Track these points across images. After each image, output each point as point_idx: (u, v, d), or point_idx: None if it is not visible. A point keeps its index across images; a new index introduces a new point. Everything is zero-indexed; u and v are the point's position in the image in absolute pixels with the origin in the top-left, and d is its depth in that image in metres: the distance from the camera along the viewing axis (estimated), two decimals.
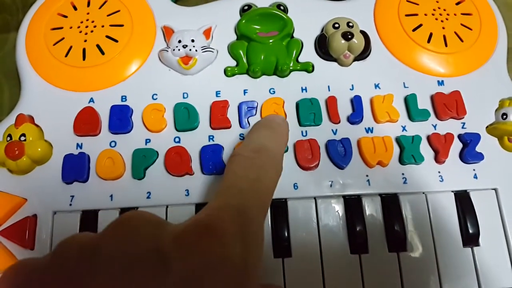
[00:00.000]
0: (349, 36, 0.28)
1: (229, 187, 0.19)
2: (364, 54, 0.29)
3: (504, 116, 0.28)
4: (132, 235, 0.15)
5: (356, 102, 0.28)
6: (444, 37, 0.30)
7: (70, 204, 0.26)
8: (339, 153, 0.27)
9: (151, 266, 0.14)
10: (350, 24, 0.29)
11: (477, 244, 0.26)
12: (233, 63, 0.30)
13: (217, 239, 0.15)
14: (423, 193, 0.27)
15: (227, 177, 0.19)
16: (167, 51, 0.28)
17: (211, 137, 0.27)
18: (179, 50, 0.28)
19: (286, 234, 0.26)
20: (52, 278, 0.15)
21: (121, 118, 0.27)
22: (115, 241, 0.15)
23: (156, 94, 0.28)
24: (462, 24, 0.30)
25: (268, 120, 0.25)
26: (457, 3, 0.31)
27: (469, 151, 0.27)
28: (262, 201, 0.19)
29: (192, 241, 0.15)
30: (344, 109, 0.28)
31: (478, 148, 0.27)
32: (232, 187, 0.19)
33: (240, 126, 0.28)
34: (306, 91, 0.29)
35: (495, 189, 0.27)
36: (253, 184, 0.19)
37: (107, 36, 0.29)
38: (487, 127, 0.28)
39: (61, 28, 0.29)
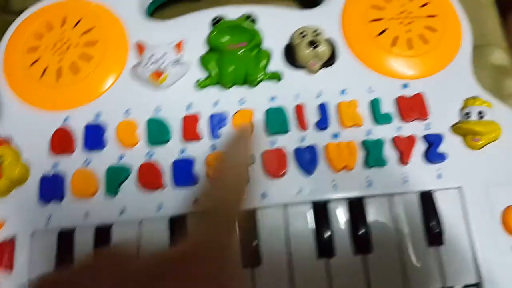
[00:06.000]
0: (315, 45, 0.29)
1: (207, 212, 0.19)
2: (330, 61, 0.30)
3: (468, 115, 0.29)
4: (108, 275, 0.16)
5: (322, 109, 0.29)
6: (409, 40, 0.30)
7: (48, 223, 0.27)
8: (306, 160, 0.28)
9: None
10: (317, 32, 0.30)
11: (442, 243, 0.27)
12: (205, 75, 0.30)
13: (202, 262, 0.16)
14: (389, 194, 0.28)
15: (203, 193, 0.20)
16: (139, 67, 0.29)
17: (183, 150, 0.29)
18: (150, 65, 0.29)
19: (255, 243, 0.27)
20: None
21: (94, 136, 0.28)
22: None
23: (129, 110, 0.29)
24: (426, 26, 0.31)
25: (236, 133, 0.24)
26: (422, 6, 0.32)
27: (432, 151, 0.28)
28: (235, 216, 0.20)
29: (179, 266, 0.16)
30: (312, 115, 0.29)
31: (442, 148, 0.28)
32: (209, 213, 0.19)
33: (212, 138, 0.29)
34: (275, 100, 0.30)
35: (459, 188, 0.28)
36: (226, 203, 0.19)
37: (81, 55, 0.30)
38: (452, 126, 0.29)
39: (37, 48, 0.30)
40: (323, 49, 0.29)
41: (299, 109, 0.29)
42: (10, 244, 0.26)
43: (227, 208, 0.20)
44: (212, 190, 0.20)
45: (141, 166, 0.28)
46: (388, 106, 0.29)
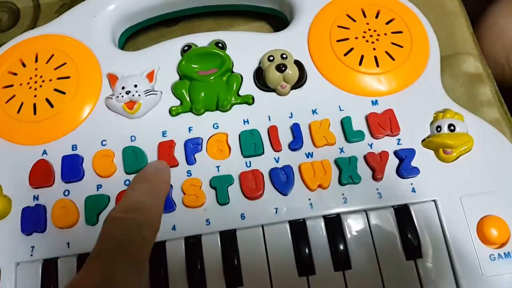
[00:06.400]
0: (283, 68, 0.30)
1: (99, 252, 0.19)
2: (300, 82, 0.31)
3: (439, 129, 0.30)
4: None
5: (295, 130, 0.30)
6: (375, 57, 0.31)
7: (31, 254, 0.28)
8: (282, 180, 0.28)
9: None
10: (284, 55, 0.31)
11: (420, 256, 0.27)
12: (177, 102, 0.31)
13: None
14: (364, 210, 0.28)
15: (98, 241, 0.20)
16: (112, 98, 0.30)
17: None
18: (123, 96, 0.30)
19: (236, 263, 0.27)
20: None
21: (72, 167, 0.29)
22: None
23: (105, 140, 0.30)
24: (393, 43, 0.32)
25: (146, 171, 0.25)
26: (387, 22, 0.32)
27: (405, 166, 0.28)
28: (133, 260, 0.19)
29: None
30: (285, 136, 0.30)
31: (414, 162, 0.29)
32: (102, 250, 0.19)
33: (187, 163, 0.29)
34: (248, 123, 0.30)
35: (434, 201, 0.28)
36: (122, 245, 0.19)
37: (55, 89, 0.31)
38: (423, 140, 0.30)
39: (12, 86, 0.31)
40: (290, 72, 0.30)
41: (272, 131, 0.30)
42: None
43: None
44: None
45: (119, 194, 0.28)
46: (359, 124, 0.30)
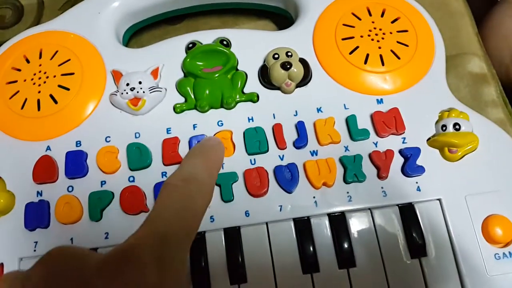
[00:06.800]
0: (288, 66, 0.30)
1: (155, 216, 0.19)
2: (305, 80, 0.31)
3: (444, 128, 0.29)
4: (59, 269, 0.17)
5: (300, 127, 0.29)
6: (381, 56, 0.31)
7: (35, 250, 0.27)
8: (286, 178, 0.28)
9: None
10: (289, 53, 0.31)
11: (424, 255, 0.27)
12: (182, 100, 0.31)
13: (134, 267, 0.16)
14: (369, 209, 0.28)
15: (155, 207, 0.20)
16: (117, 94, 0.30)
17: (164, 173, 0.29)
18: (127, 93, 0.30)
19: (240, 261, 0.27)
20: None
21: (76, 163, 0.29)
22: (42, 276, 0.17)
23: (109, 137, 0.30)
24: (398, 42, 0.32)
25: (201, 145, 0.25)
26: (393, 21, 0.32)
27: (410, 165, 0.28)
28: (187, 229, 0.19)
29: (111, 269, 0.16)
30: (290, 134, 0.30)
31: (419, 161, 0.29)
32: (158, 216, 0.19)
33: None
34: (252, 121, 0.30)
35: (439, 199, 0.28)
36: (178, 213, 0.19)
37: (59, 86, 0.31)
38: (428, 139, 0.30)
39: (16, 81, 0.31)
40: (295, 70, 0.29)
41: (277, 129, 0.30)
42: None
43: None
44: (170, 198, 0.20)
45: (123, 191, 0.28)
46: (364, 122, 0.30)
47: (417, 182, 0.28)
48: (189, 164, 0.23)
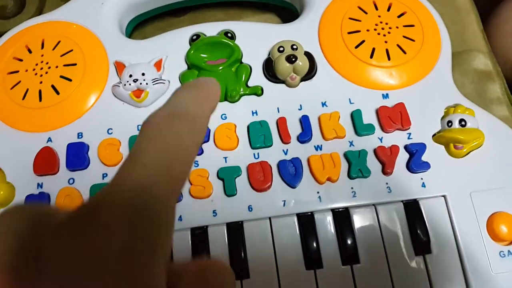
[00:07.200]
0: (293, 59, 0.29)
1: (132, 161, 0.16)
2: (309, 74, 0.30)
3: (450, 124, 0.29)
4: (5, 230, 0.14)
5: (304, 122, 0.29)
6: (387, 50, 0.31)
7: None
8: (290, 173, 0.28)
9: (23, 266, 0.13)
10: (294, 46, 0.30)
11: (429, 252, 0.27)
12: None
13: (99, 226, 0.13)
14: (373, 205, 0.28)
15: (133, 149, 0.16)
16: (119, 86, 0.30)
17: None
18: (130, 84, 0.29)
19: (243, 256, 0.27)
20: None
21: (77, 155, 0.28)
22: None
23: (111, 129, 0.29)
24: (404, 36, 0.31)
25: (194, 80, 0.20)
26: (399, 16, 0.32)
27: (415, 161, 0.28)
28: (172, 175, 0.16)
29: (71, 230, 0.13)
30: (294, 128, 0.29)
31: (425, 157, 0.28)
32: (136, 161, 0.16)
33: None
34: (257, 114, 0.30)
35: (444, 196, 0.28)
36: (160, 156, 0.16)
37: (61, 76, 0.30)
38: (433, 135, 0.29)
39: (17, 71, 0.31)
40: (301, 63, 0.29)
41: (281, 123, 0.29)
42: None
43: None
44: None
45: None
46: (369, 117, 0.29)
47: (422, 178, 0.28)
48: (178, 98, 0.18)
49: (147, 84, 0.29)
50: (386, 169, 0.28)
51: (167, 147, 0.16)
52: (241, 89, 0.30)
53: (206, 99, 0.19)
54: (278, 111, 0.30)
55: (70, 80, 0.30)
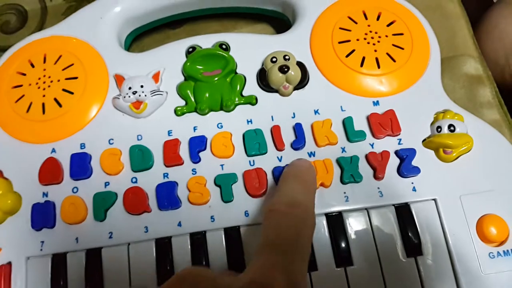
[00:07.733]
0: (285, 69, 0.30)
1: (273, 245, 0.20)
2: (302, 83, 0.31)
3: (439, 129, 0.30)
4: None
5: (297, 129, 0.30)
6: (377, 59, 0.32)
7: (41, 249, 0.28)
8: None
9: None
10: (287, 57, 0.31)
11: (420, 254, 0.28)
12: (182, 103, 0.32)
13: None
14: (365, 209, 0.29)
15: (269, 233, 0.20)
16: (119, 98, 0.31)
17: (166, 174, 0.30)
18: (129, 96, 0.30)
19: (240, 260, 0.28)
20: None
21: (80, 165, 0.29)
22: None
23: (112, 139, 0.31)
24: (394, 45, 0.32)
25: (296, 169, 0.26)
26: (388, 25, 0.33)
27: (406, 165, 0.29)
28: (303, 254, 0.20)
29: None
30: (288, 136, 0.30)
31: (415, 162, 0.29)
32: (276, 245, 0.19)
33: (192, 162, 0.30)
34: (251, 123, 0.31)
35: (434, 199, 0.29)
36: (295, 240, 0.20)
37: (63, 90, 0.31)
38: (423, 141, 0.30)
39: (21, 86, 0.32)
40: (293, 73, 0.30)
41: (275, 130, 0.30)
42: (7, 270, 0.28)
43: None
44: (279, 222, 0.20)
45: (126, 191, 0.29)
46: (360, 124, 0.30)
47: (412, 183, 0.29)
48: (289, 188, 0.23)
49: (145, 95, 0.30)
50: (378, 174, 0.29)
51: (297, 232, 0.20)
52: (236, 99, 0.31)
53: (311, 188, 0.24)
54: (272, 120, 0.31)
55: (72, 93, 0.31)
